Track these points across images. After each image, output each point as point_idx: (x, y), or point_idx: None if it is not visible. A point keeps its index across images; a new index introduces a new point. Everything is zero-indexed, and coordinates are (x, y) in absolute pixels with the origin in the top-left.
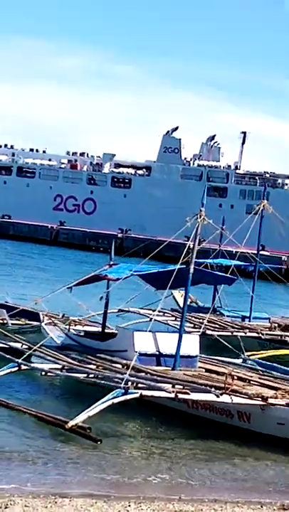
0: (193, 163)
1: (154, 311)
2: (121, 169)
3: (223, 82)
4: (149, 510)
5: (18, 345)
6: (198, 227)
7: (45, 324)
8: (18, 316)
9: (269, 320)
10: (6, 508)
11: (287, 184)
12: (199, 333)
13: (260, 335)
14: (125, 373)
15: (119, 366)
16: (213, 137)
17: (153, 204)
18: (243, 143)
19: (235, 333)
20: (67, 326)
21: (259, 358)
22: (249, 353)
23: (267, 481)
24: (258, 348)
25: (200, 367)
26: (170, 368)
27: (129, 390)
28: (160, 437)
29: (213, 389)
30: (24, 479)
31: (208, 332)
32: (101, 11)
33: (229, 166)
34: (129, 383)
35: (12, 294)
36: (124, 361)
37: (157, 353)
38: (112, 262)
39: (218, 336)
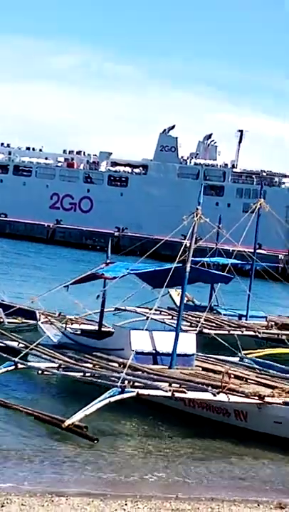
0: (190, 162)
1: (150, 309)
2: (118, 168)
3: (221, 82)
4: (146, 509)
5: (14, 343)
6: (194, 225)
7: (42, 323)
8: (14, 314)
9: (266, 318)
10: (2, 506)
11: (284, 183)
12: (196, 332)
13: (257, 333)
14: (122, 372)
15: (116, 365)
16: (209, 136)
17: (150, 202)
18: (240, 141)
19: (232, 332)
20: (64, 325)
21: (256, 357)
22: (246, 352)
23: (264, 480)
24: (254, 347)
25: (197, 365)
26: (167, 367)
27: (126, 389)
28: (157, 436)
29: (209, 388)
30: (21, 478)
31: (205, 331)
32: (101, 11)
33: (226, 165)
34: (126, 382)
35: (8, 293)
36: (121, 360)
37: (154, 351)
38: (108, 261)
39: (214, 334)
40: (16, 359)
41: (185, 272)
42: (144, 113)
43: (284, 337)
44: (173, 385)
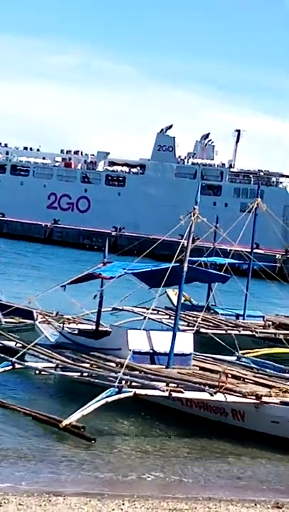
0: (188, 162)
1: (148, 309)
2: (115, 167)
3: (221, 81)
4: (143, 509)
5: (12, 343)
6: (191, 225)
7: (39, 322)
8: (11, 314)
9: (263, 318)
10: None
11: (281, 182)
12: (193, 332)
13: (254, 333)
14: (119, 372)
15: (113, 365)
16: (207, 135)
17: (147, 202)
18: (237, 141)
19: (229, 331)
20: (61, 325)
21: (253, 357)
22: (243, 352)
23: (261, 479)
24: (252, 346)
25: (194, 365)
26: (164, 366)
27: (123, 389)
28: (154, 435)
29: (207, 387)
30: (18, 478)
31: (202, 330)
32: (101, 11)
33: (223, 165)
34: (123, 382)
35: (6, 293)
36: (118, 359)
37: (151, 351)
38: (106, 260)
39: (212, 334)
40: (14, 359)
41: (182, 272)
42: (142, 113)
43: (281, 336)
44: (170, 384)
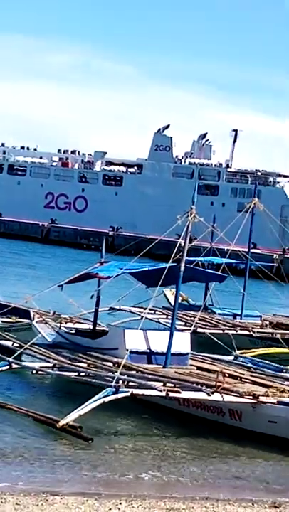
0: (185, 161)
1: (145, 309)
2: (112, 167)
3: (217, 80)
4: (140, 508)
5: (8, 343)
6: (189, 225)
7: (36, 322)
8: (8, 313)
9: (260, 318)
10: None
11: (278, 182)
12: (190, 331)
13: (252, 333)
14: (116, 372)
15: (110, 364)
16: (204, 135)
17: (144, 202)
18: (235, 141)
19: (226, 331)
20: (58, 324)
21: (250, 356)
22: (240, 351)
23: (258, 479)
24: (249, 346)
25: (191, 364)
26: (161, 366)
27: (120, 389)
28: (151, 435)
29: (204, 387)
30: (15, 477)
31: (200, 330)
32: (101, 11)
33: (220, 164)
34: (120, 382)
35: (2, 292)
36: (116, 359)
37: (148, 350)
38: (103, 260)
39: (209, 333)
40: (10, 359)
41: (179, 271)
42: (141, 113)
43: (278, 336)
44: (167, 384)
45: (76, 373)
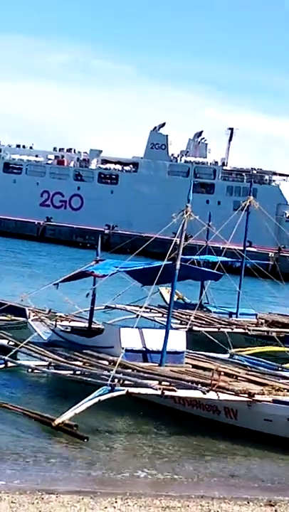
0: (181, 160)
1: (140, 307)
2: (108, 165)
3: (217, 80)
4: (136, 506)
5: (4, 341)
6: (184, 223)
7: (32, 320)
8: (4, 312)
9: (256, 316)
10: None
11: (274, 180)
12: (186, 330)
13: (247, 331)
14: (112, 370)
15: (106, 363)
16: (200, 133)
17: (140, 200)
18: (230, 139)
19: (222, 329)
20: (54, 322)
21: (246, 355)
22: (236, 350)
23: (254, 477)
24: (245, 344)
25: (187, 363)
26: (157, 364)
27: (116, 387)
28: (147, 433)
29: (199, 386)
30: (11, 476)
31: (195, 328)
32: (101, 11)
33: (216, 163)
34: (116, 380)
35: None
36: (111, 358)
37: (144, 349)
38: (98, 258)
39: (205, 332)
40: (6, 357)
41: (175, 270)
42: (141, 113)
43: (274, 334)
44: (163, 383)
45: (72, 372)
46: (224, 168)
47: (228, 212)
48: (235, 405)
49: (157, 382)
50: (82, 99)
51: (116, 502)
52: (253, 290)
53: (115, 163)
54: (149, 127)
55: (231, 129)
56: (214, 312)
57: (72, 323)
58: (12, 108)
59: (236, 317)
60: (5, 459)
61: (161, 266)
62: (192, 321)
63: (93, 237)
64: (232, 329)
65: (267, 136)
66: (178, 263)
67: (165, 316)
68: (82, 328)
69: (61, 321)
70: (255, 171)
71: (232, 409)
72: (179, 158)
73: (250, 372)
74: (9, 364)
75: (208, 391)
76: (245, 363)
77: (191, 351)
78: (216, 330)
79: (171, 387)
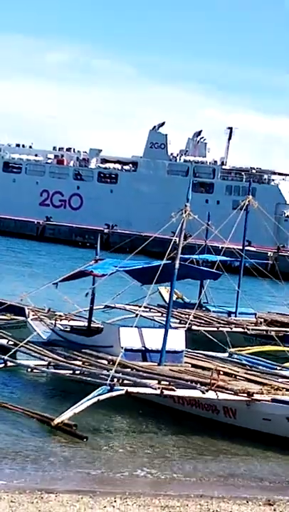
0: (180, 159)
1: (140, 306)
2: (107, 165)
3: (217, 80)
4: (135, 506)
5: (3, 341)
6: (183, 222)
7: (31, 320)
8: (3, 311)
9: (255, 315)
10: None
11: (273, 180)
12: (185, 329)
13: (246, 330)
14: (111, 369)
15: (105, 362)
16: (199, 133)
17: (139, 199)
18: (230, 138)
19: (221, 329)
20: (53, 321)
21: (245, 354)
22: (235, 349)
23: (253, 477)
24: (244, 344)
25: (186, 362)
26: (156, 364)
27: (115, 387)
28: (146, 433)
29: (198, 385)
30: (10, 475)
31: (194, 327)
32: (100, 10)
33: (215, 162)
34: (115, 380)
35: None
36: (110, 357)
37: (143, 348)
38: (97, 258)
39: (204, 331)
40: (5, 357)
41: (174, 269)
42: (141, 113)
43: (273, 333)
44: (162, 382)
45: (71, 371)
46: (223, 167)
47: (227, 212)
48: (234, 405)
49: (156, 381)
50: (82, 99)
51: (115, 501)
52: (252, 289)
53: (115, 162)
54: (148, 127)
55: (230, 129)
56: (213, 311)
57: (72, 323)
58: (12, 107)
59: (235, 316)
60: (4, 458)
61: (160, 265)
62: (191, 321)
63: (93, 236)
64: (231, 328)
65: (266, 135)
66: (177, 262)
67: (164, 315)
68: (81, 327)
69: (60, 320)
70: (254, 171)
71: (231, 408)
72: (178, 158)
73: (249, 372)
74: (9, 364)
75: (207, 390)
76: (244, 362)
77: (190, 350)
78: (215, 329)
79: (170, 387)
